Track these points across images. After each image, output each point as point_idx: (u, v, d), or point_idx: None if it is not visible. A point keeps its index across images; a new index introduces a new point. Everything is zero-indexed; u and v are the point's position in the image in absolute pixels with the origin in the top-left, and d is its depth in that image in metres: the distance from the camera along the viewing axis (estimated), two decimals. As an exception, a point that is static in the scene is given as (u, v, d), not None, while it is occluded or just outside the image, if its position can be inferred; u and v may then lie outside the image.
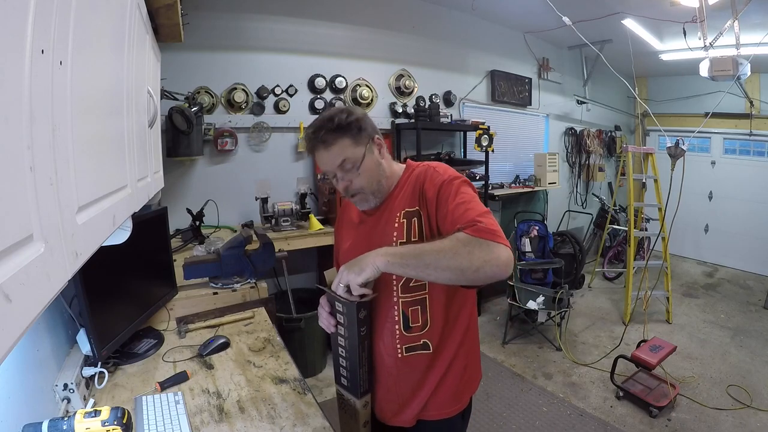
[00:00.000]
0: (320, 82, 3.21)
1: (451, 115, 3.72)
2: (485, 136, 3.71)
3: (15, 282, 0.37)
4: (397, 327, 1.04)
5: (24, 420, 0.81)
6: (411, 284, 1.02)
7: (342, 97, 3.32)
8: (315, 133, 0.99)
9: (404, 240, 1.00)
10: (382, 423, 1.14)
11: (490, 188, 3.98)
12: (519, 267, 3.54)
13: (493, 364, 3.09)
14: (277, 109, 3.08)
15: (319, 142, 0.99)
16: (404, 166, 1.12)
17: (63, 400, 1.04)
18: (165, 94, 2.39)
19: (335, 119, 0.99)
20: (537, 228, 3.84)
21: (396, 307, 1.04)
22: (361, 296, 0.92)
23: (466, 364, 1.11)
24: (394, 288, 1.03)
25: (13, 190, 0.39)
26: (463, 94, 4.07)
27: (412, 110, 3.59)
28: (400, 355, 1.05)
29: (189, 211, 2.55)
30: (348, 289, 0.90)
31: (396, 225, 1.02)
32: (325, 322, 1.00)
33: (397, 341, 1.04)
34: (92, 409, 0.84)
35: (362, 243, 1.06)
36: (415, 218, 1.00)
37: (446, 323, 1.05)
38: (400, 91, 3.62)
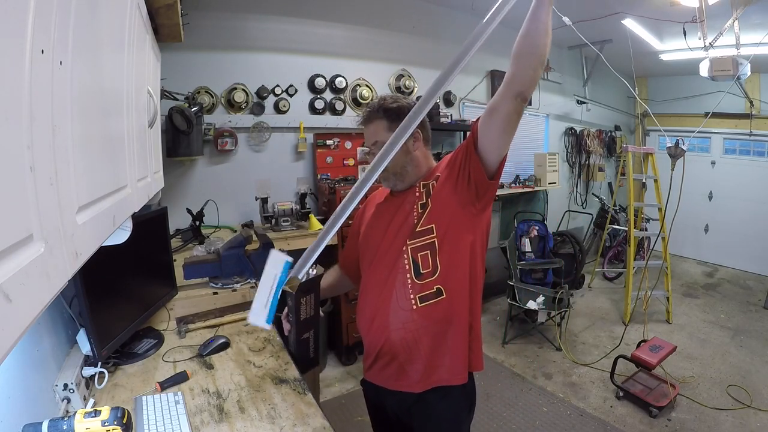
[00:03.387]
0: (320, 82, 3.21)
1: (451, 115, 3.72)
2: (485, 136, 3.70)
3: (15, 282, 0.37)
4: (408, 276, 1.05)
5: (24, 420, 0.81)
6: (419, 228, 1.04)
7: (342, 97, 3.32)
8: (367, 109, 1.15)
9: (424, 201, 1.07)
10: (379, 397, 1.16)
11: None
12: (519, 267, 3.54)
13: (493, 364, 3.08)
14: (277, 109, 3.07)
15: (365, 119, 1.16)
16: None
17: (63, 400, 1.04)
18: (165, 94, 2.39)
19: (381, 103, 1.13)
20: (537, 228, 3.84)
21: (405, 255, 1.05)
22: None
23: (472, 326, 1.10)
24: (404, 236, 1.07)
25: (13, 190, 0.39)
26: (463, 94, 4.06)
27: (413, 110, 3.59)
28: (415, 307, 1.04)
29: (189, 211, 2.55)
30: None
31: (417, 194, 1.10)
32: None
33: (410, 290, 1.04)
34: (92, 409, 0.84)
35: (383, 217, 1.15)
36: (433, 182, 1.08)
37: (455, 267, 1.04)
38: (400, 91, 3.62)
